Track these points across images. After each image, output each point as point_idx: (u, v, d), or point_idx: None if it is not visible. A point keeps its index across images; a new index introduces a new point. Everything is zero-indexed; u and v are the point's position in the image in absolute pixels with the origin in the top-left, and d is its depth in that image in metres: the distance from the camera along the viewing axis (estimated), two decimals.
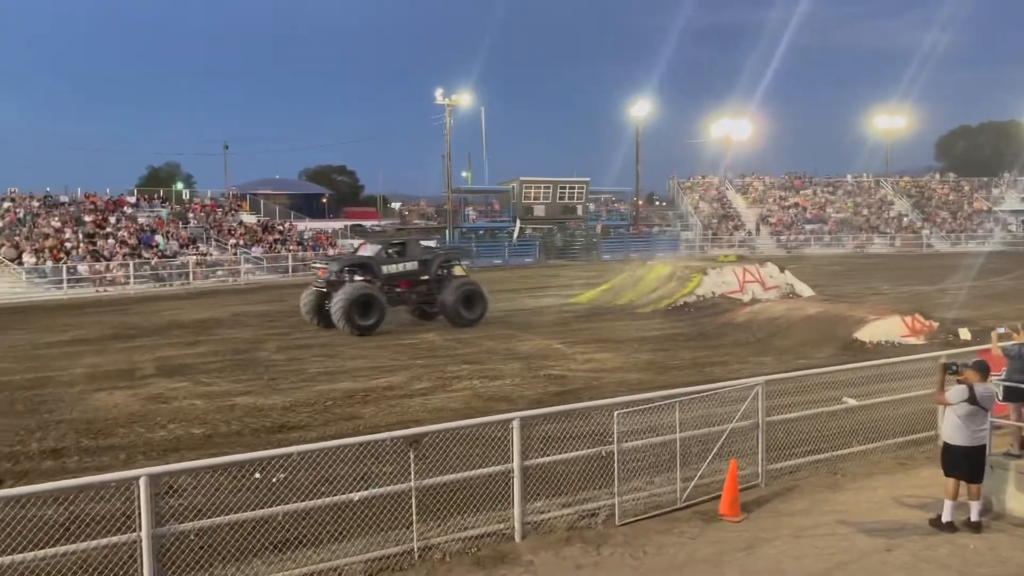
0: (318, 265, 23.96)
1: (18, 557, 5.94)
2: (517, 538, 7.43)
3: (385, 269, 22.00)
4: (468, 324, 21.73)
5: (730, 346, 18.36)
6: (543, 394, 13.47)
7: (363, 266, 21.92)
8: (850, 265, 43.58)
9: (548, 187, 58.41)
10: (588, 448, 8.16)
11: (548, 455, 8.10)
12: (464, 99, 57.07)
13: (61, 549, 6.26)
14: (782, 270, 26.68)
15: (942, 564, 6.97)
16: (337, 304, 20.29)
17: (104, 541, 6.15)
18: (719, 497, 8.18)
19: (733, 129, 69.17)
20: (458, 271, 23.44)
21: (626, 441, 7.97)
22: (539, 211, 58.09)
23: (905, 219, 61.98)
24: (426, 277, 22.57)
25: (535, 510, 7.77)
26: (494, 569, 6.90)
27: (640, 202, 69.11)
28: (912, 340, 17.85)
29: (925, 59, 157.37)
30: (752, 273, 26.19)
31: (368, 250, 23.27)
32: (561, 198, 58.54)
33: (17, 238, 37.08)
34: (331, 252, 46.40)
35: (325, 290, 21.53)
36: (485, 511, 7.51)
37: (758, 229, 59.84)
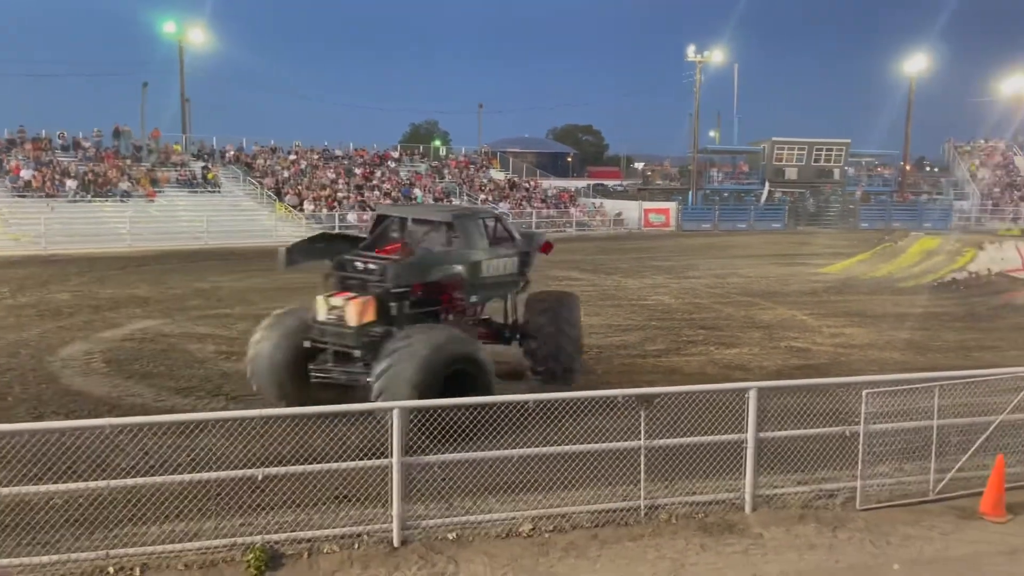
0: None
1: (292, 469, 6.77)
2: (747, 509, 7.25)
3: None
4: None
5: (1006, 330, 16.38)
6: (783, 366, 12.90)
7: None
8: None
9: (803, 148, 55.05)
10: (829, 426, 7.71)
11: (785, 429, 7.77)
12: (716, 55, 54.94)
13: (325, 466, 7.05)
14: None
15: None
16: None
17: (361, 464, 6.82)
18: (979, 494, 7.41)
19: None
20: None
21: (874, 423, 7.42)
22: (791, 174, 55.02)
23: None
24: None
25: (767, 484, 7.51)
26: (721, 537, 6.80)
27: (908, 167, 62.94)
28: None
29: None
30: None
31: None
32: (816, 160, 54.98)
33: (300, 187, 41.49)
34: (572, 211, 47.20)
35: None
36: (714, 479, 7.39)
37: None
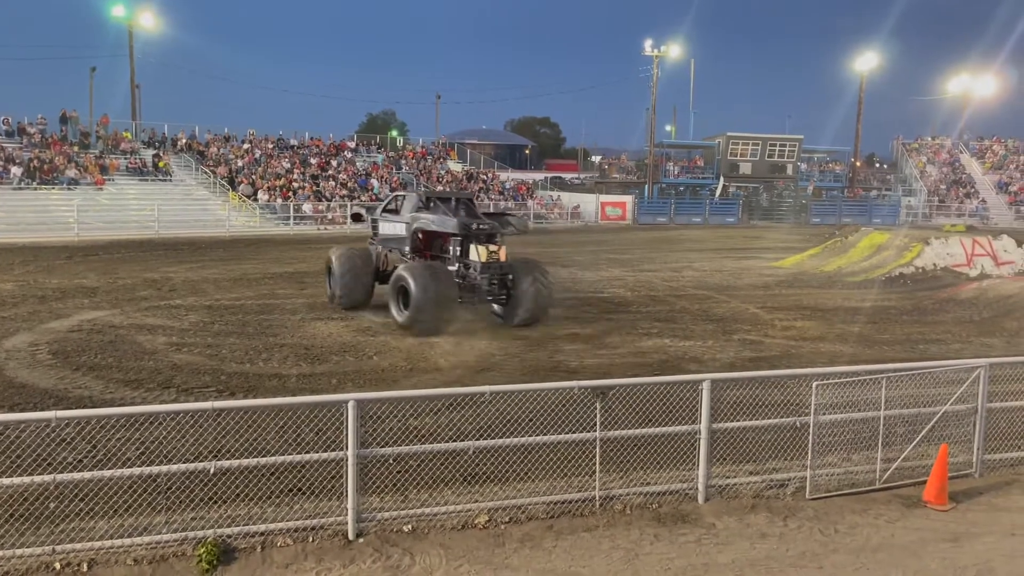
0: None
1: (245, 462, 6.67)
2: (700, 500, 7.35)
3: None
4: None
5: (950, 324, 16.84)
6: (736, 359, 13.09)
7: None
8: None
9: (757, 144, 55.87)
10: (781, 417, 7.86)
11: (737, 420, 7.89)
12: (673, 50, 55.50)
13: (279, 459, 6.97)
14: (1020, 244, 23.99)
15: None
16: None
17: (316, 456, 6.77)
18: (923, 483, 7.63)
19: (974, 86, 62.24)
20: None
21: (823, 414, 7.59)
22: (745, 169, 55.82)
23: None
24: None
25: (720, 474, 7.63)
26: (674, 527, 6.88)
27: (858, 163, 64.32)
28: None
29: None
30: (983, 246, 23.76)
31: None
32: (770, 156, 55.85)
33: (254, 176, 40.87)
34: (529, 203, 47.27)
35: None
36: (668, 469, 7.48)
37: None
